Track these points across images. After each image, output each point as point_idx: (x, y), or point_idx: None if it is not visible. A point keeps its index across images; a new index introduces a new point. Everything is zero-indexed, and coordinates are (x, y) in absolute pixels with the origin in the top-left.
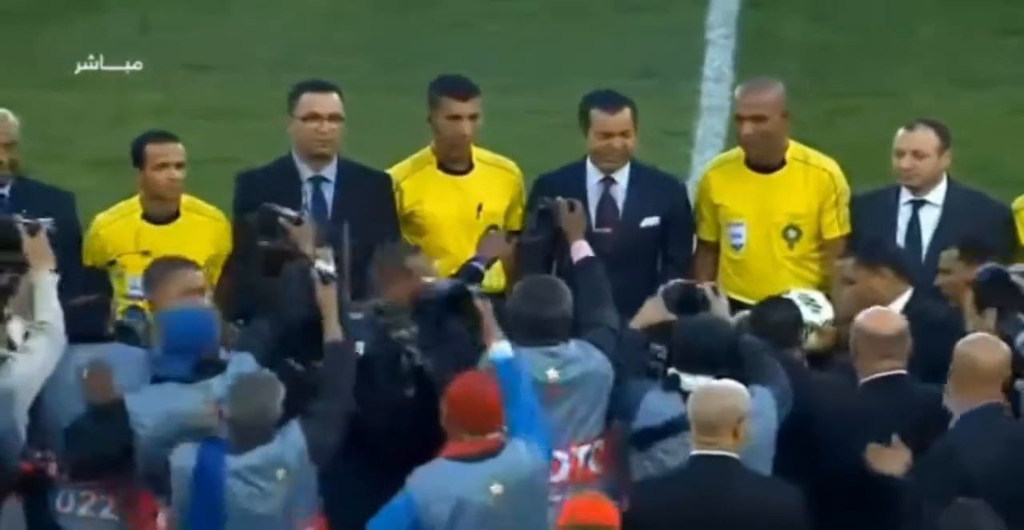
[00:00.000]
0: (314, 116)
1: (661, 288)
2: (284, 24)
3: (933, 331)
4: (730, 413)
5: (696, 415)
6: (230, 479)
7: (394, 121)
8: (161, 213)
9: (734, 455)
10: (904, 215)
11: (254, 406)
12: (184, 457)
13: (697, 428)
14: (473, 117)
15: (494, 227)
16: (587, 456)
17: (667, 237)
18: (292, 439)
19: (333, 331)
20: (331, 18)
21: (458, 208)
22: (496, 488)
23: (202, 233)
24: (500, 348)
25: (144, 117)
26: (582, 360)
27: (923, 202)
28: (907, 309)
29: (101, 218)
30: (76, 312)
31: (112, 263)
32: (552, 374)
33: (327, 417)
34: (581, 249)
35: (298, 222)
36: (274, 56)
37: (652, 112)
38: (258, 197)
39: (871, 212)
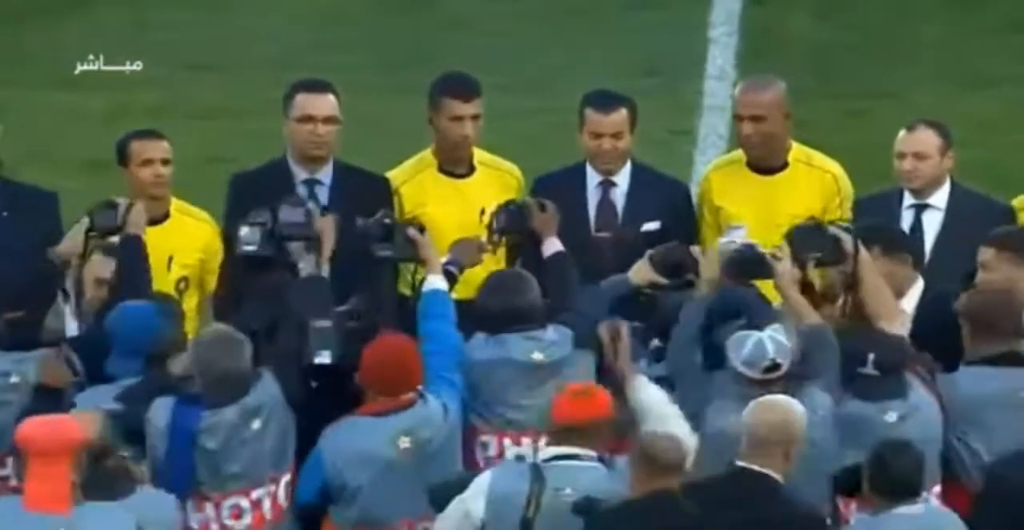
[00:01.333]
0: (308, 118)
1: (648, 252)
2: (282, 23)
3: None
4: (782, 432)
5: (748, 427)
6: (203, 436)
7: (393, 122)
8: (150, 214)
9: (776, 475)
10: (907, 219)
11: (223, 364)
12: (159, 414)
13: (746, 439)
14: (475, 118)
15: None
16: None
17: (668, 241)
18: (267, 388)
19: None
20: (330, 17)
21: (460, 212)
22: (404, 442)
23: (192, 235)
24: (432, 280)
25: (140, 117)
26: (560, 343)
27: (926, 206)
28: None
29: None
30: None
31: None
32: (537, 356)
33: (291, 357)
34: (552, 245)
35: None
36: (272, 56)
37: (654, 111)
38: (251, 199)
39: (873, 215)
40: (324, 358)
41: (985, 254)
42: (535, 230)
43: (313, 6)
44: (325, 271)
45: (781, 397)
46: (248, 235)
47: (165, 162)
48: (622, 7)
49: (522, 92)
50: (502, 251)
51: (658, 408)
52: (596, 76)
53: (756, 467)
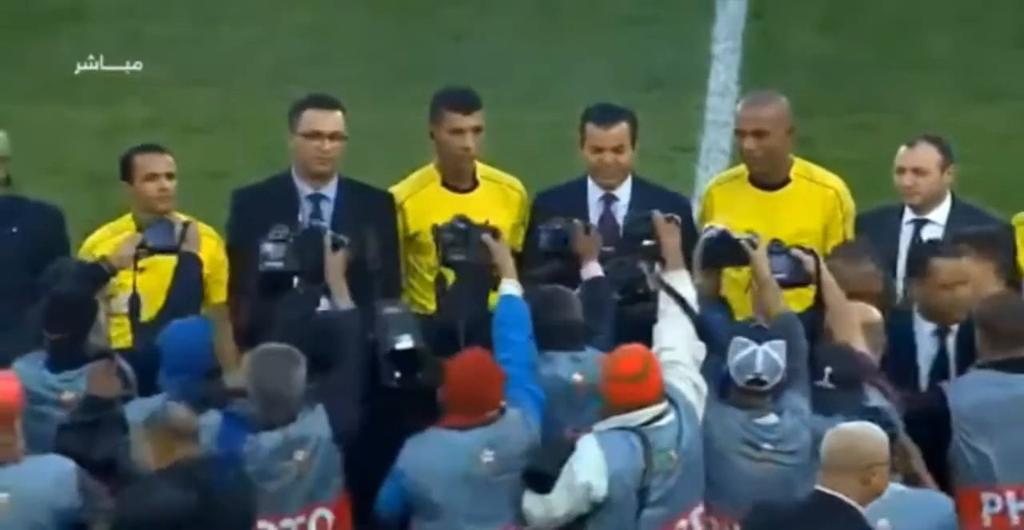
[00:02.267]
0: (316, 134)
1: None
2: (280, 36)
3: None
4: (851, 457)
5: (821, 451)
6: (246, 459)
7: (393, 135)
8: None
9: (852, 503)
10: (907, 234)
11: (274, 384)
12: (206, 430)
13: (822, 464)
14: (476, 131)
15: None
16: None
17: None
18: (317, 422)
19: (341, 301)
20: (328, 31)
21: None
22: (487, 456)
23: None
24: (507, 286)
25: (137, 131)
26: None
27: (925, 221)
28: None
29: (94, 238)
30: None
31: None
32: (577, 377)
33: (344, 391)
34: (593, 269)
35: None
36: (270, 69)
37: (657, 127)
38: (254, 214)
39: (873, 231)
40: (406, 342)
41: None
42: (577, 252)
43: (312, 19)
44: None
45: (857, 424)
46: (272, 251)
47: (169, 176)
48: (624, 22)
49: (523, 107)
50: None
51: (674, 316)
52: (598, 91)
53: (829, 491)
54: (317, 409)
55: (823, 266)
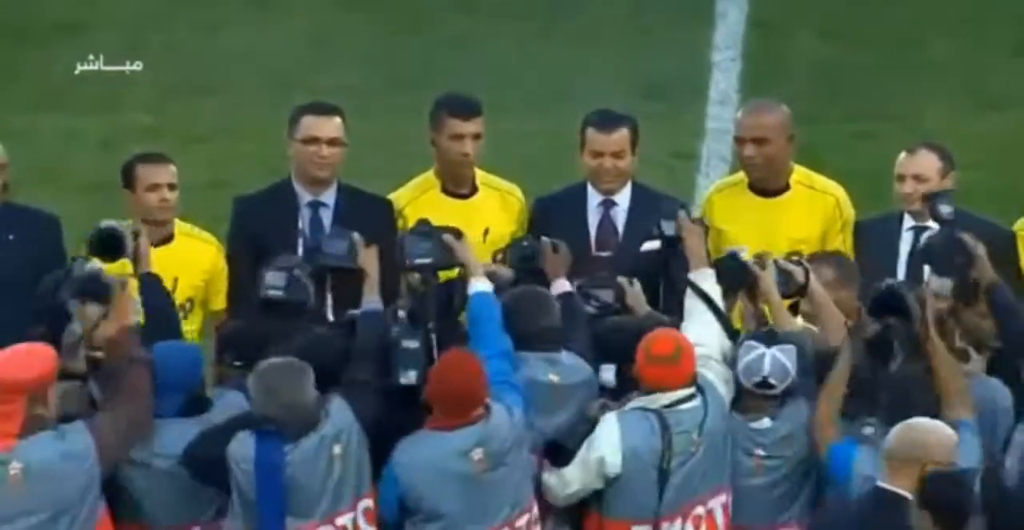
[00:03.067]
0: (314, 140)
1: (575, 281)
2: (281, 44)
3: None
4: (912, 452)
5: (883, 447)
6: (290, 469)
7: (394, 143)
8: (155, 236)
9: (909, 495)
10: (906, 242)
11: (286, 396)
12: (243, 451)
13: (884, 459)
14: (476, 137)
15: (501, 252)
16: None
17: (669, 261)
18: (339, 414)
19: (371, 298)
20: (329, 38)
21: (464, 232)
22: (477, 454)
23: (197, 257)
24: (475, 283)
25: (137, 139)
26: (579, 367)
27: (925, 228)
28: None
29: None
30: None
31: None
32: (553, 377)
33: (363, 386)
34: (561, 286)
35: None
36: (271, 77)
37: (658, 135)
38: (255, 222)
39: (873, 238)
40: (410, 379)
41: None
42: (546, 271)
43: (312, 26)
44: (377, 303)
45: (924, 419)
46: (273, 279)
47: (171, 187)
48: (624, 30)
49: (523, 114)
50: None
51: (700, 314)
52: (598, 99)
53: (890, 487)
54: (336, 401)
55: (812, 277)
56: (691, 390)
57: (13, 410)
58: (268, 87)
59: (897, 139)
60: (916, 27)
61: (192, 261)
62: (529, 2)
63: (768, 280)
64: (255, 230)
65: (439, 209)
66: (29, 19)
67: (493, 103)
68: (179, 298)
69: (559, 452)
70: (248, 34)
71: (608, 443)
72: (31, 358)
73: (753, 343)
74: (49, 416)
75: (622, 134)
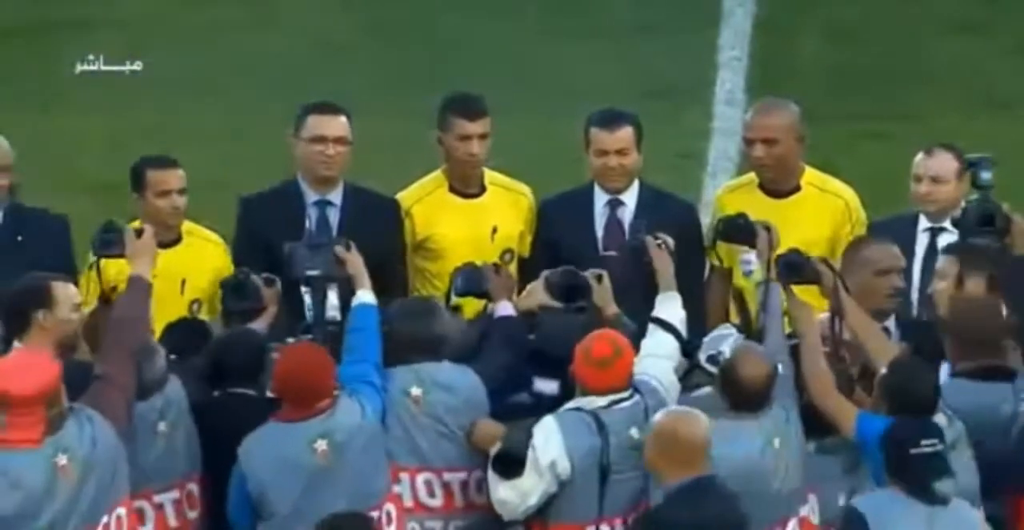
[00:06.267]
0: (320, 139)
1: (544, 272)
2: (283, 46)
3: None
4: None
5: None
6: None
7: (396, 144)
8: (163, 238)
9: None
10: (922, 242)
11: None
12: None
13: None
14: (483, 137)
15: (509, 251)
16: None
17: (676, 261)
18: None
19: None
20: (331, 40)
21: (472, 232)
22: (320, 445)
23: (204, 258)
24: (360, 295)
25: (140, 140)
26: (457, 379)
27: (942, 229)
28: None
29: None
30: None
31: (113, 289)
32: (415, 390)
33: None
34: (503, 308)
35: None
36: (273, 79)
37: (664, 135)
38: (261, 221)
39: (888, 239)
40: (315, 271)
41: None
42: (490, 293)
43: (314, 28)
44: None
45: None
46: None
47: (181, 192)
48: (630, 30)
49: (531, 115)
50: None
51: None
52: (604, 99)
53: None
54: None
55: (839, 283)
56: (627, 393)
57: (35, 420)
58: (273, 88)
59: (905, 139)
60: (923, 27)
61: (200, 262)
62: (533, 1)
63: (764, 240)
64: (262, 229)
65: (447, 208)
66: (35, 18)
67: (498, 104)
68: (186, 299)
69: (506, 463)
70: (250, 36)
71: (554, 444)
72: (37, 368)
73: (728, 328)
74: (66, 408)
75: (626, 132)
